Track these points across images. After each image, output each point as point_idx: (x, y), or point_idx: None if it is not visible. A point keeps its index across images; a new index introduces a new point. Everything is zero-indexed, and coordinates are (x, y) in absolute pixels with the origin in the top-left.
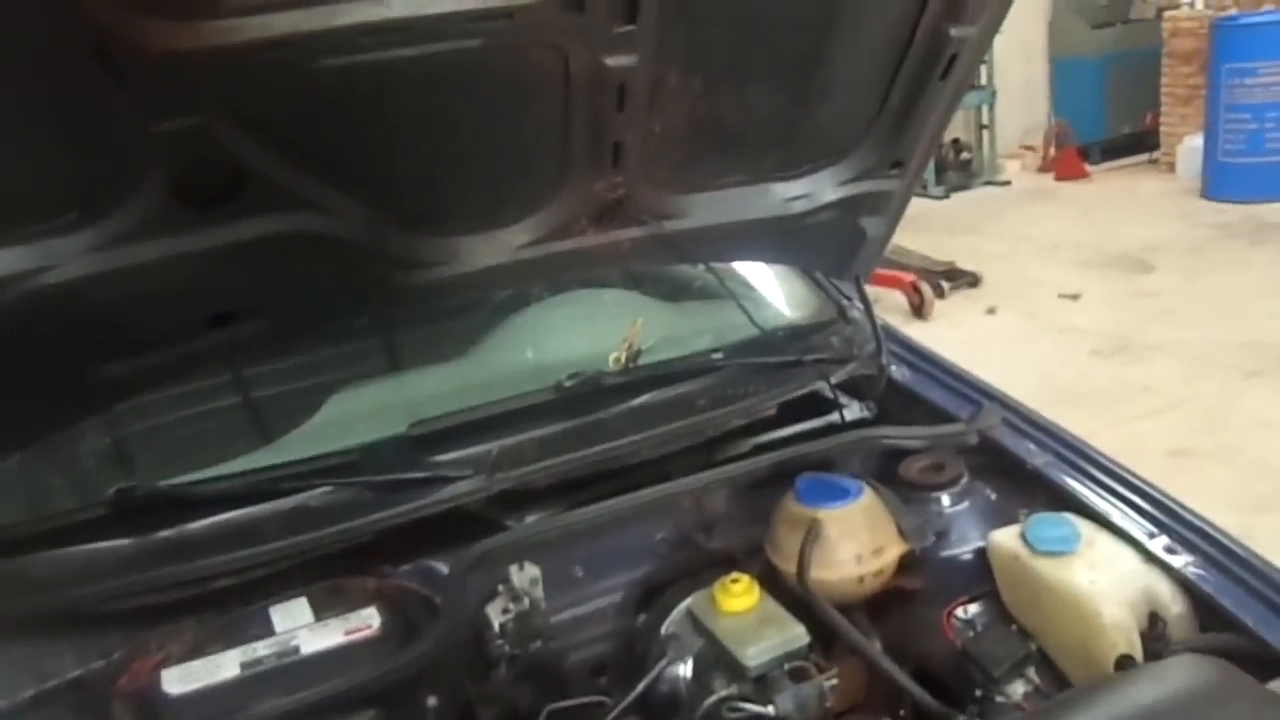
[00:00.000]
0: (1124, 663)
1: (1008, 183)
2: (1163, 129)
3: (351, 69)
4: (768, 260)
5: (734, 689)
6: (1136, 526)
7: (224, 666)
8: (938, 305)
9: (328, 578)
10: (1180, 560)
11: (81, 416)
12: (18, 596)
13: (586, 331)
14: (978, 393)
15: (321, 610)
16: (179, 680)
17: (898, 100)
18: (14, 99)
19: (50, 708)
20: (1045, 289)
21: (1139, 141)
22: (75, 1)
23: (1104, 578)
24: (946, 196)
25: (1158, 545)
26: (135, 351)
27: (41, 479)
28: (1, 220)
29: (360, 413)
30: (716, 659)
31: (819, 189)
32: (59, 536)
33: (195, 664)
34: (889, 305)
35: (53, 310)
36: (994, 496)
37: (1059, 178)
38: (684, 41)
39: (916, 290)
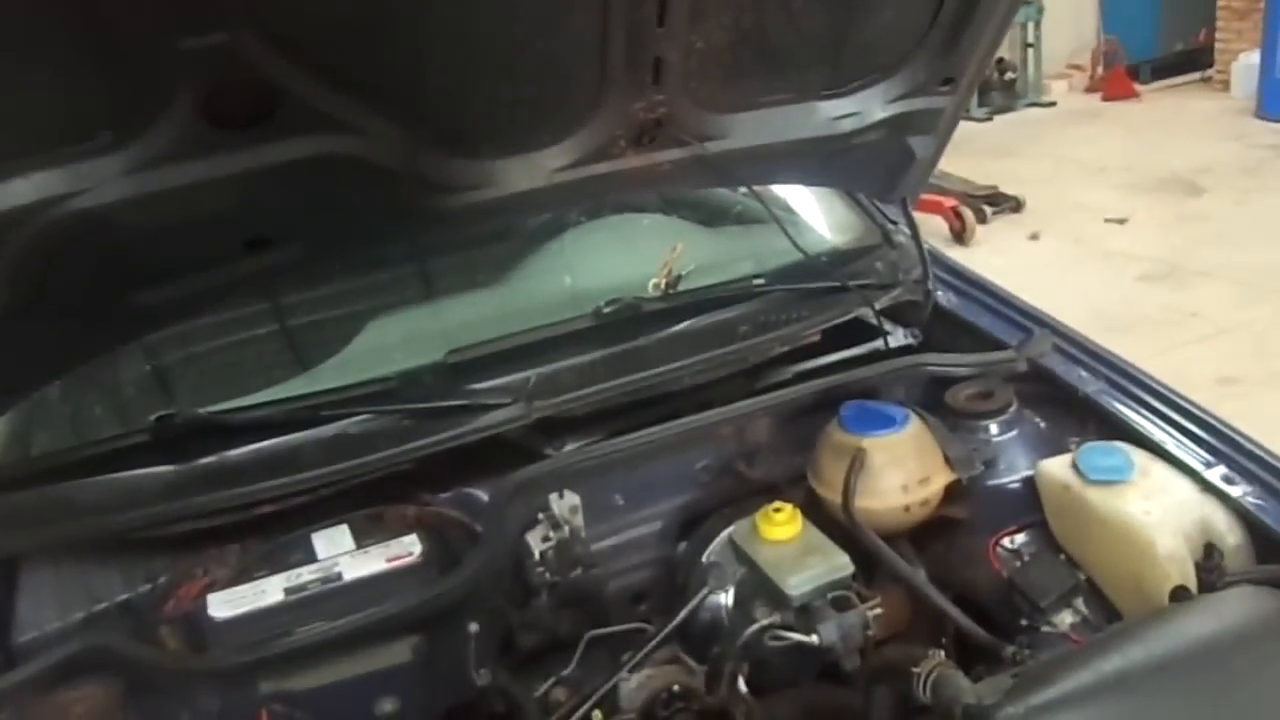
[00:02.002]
0: (1179, 594)
1: (1053, 103)
2: (1217, 45)
3: None
4: (812, 182)
5: (776, 618)
6: (1193, 455)
7: (268, 592)
8: (979, 230)
9: (368, 505)
10: (1238, 490)
11: (118, 343)
12: (65, 521)
13: (625, 257)
14: (1027, 319)
15: (363, 537)
16: (224, 604)
17: (951, 12)
18: (44, 16)
19: (101, 629)
20: (1091, 213)
21: (1191, 59)
22: None
23: (1158, 507)
24: (989, 118)
25: (1215, 474)
26: (170, 277)
27: (84, 407)
28: (34, 141)
29: (397, 340)
30: (758, 588)
31: (867, 107)
32: (103, 463)
33: (240, 589)
34: (929, 231)
35: (87, 235)
36: (1044, 425)
37: (1107, 98)
38: None
39: (957, 215)
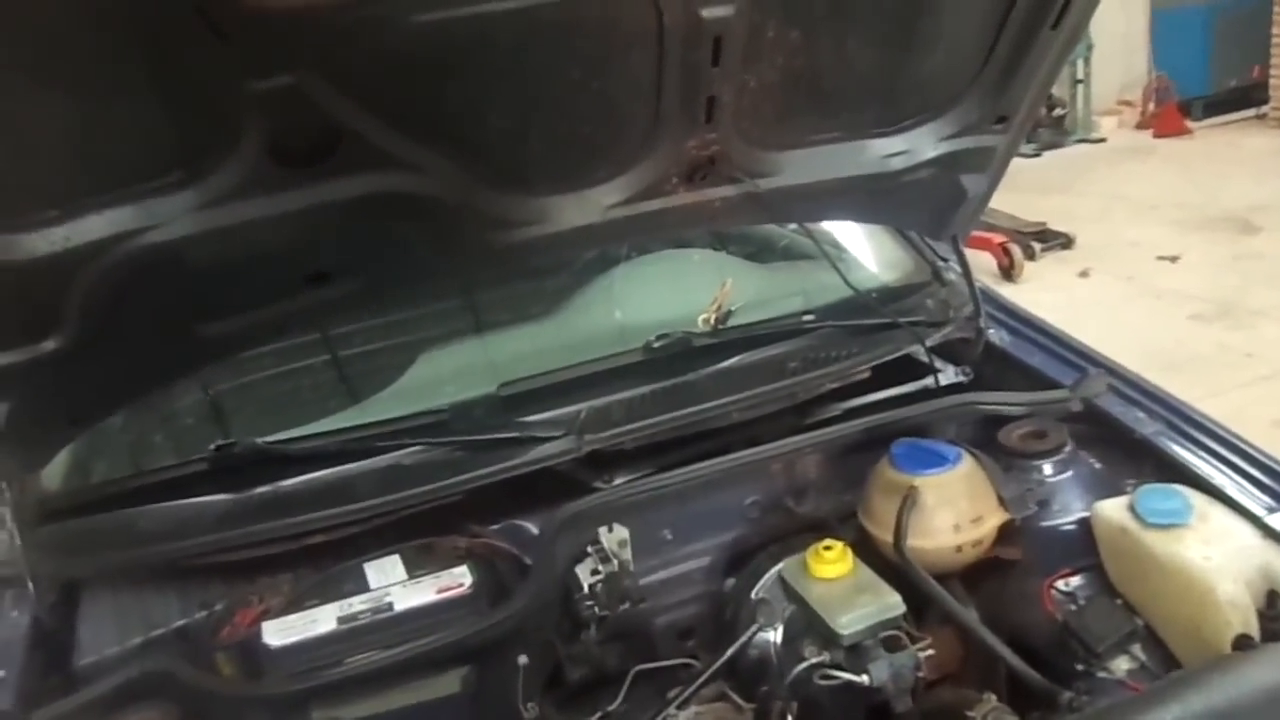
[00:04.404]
0: (1242, 643)
1: (1103, 140)
2: (1272, 81)
3: (444, 25)
4: (863, 220)
5: (826, 656)
6: (1254, 500)
7: (321, 621)
8: (1028, 267)
9: (419, 536)
10: None
11: (181, 374)
12: (124, 548)
13: (675, 292)
14: (1082, 358)
15: (414, 568)
16: (278, 633)
17: (1005, 51)
18: (122, 59)
19: (158, 655)
20: (1142, 250)
21: (1244, 96)
22: None
23: (1219, 553)
24: (1038, 155)
25: (1277, 520)
26: (233, 310)
27: (143, 436)
28: (109, 179)
29: (449, 373)
30: (808, 626)
31: (919, 145)
32: (161, 491)
33: (294, 617)
34: (977, 268)
35: (155, 269)
36: (1099, 466)
37: (1158, 134)
38: None
39: (1006, 252)
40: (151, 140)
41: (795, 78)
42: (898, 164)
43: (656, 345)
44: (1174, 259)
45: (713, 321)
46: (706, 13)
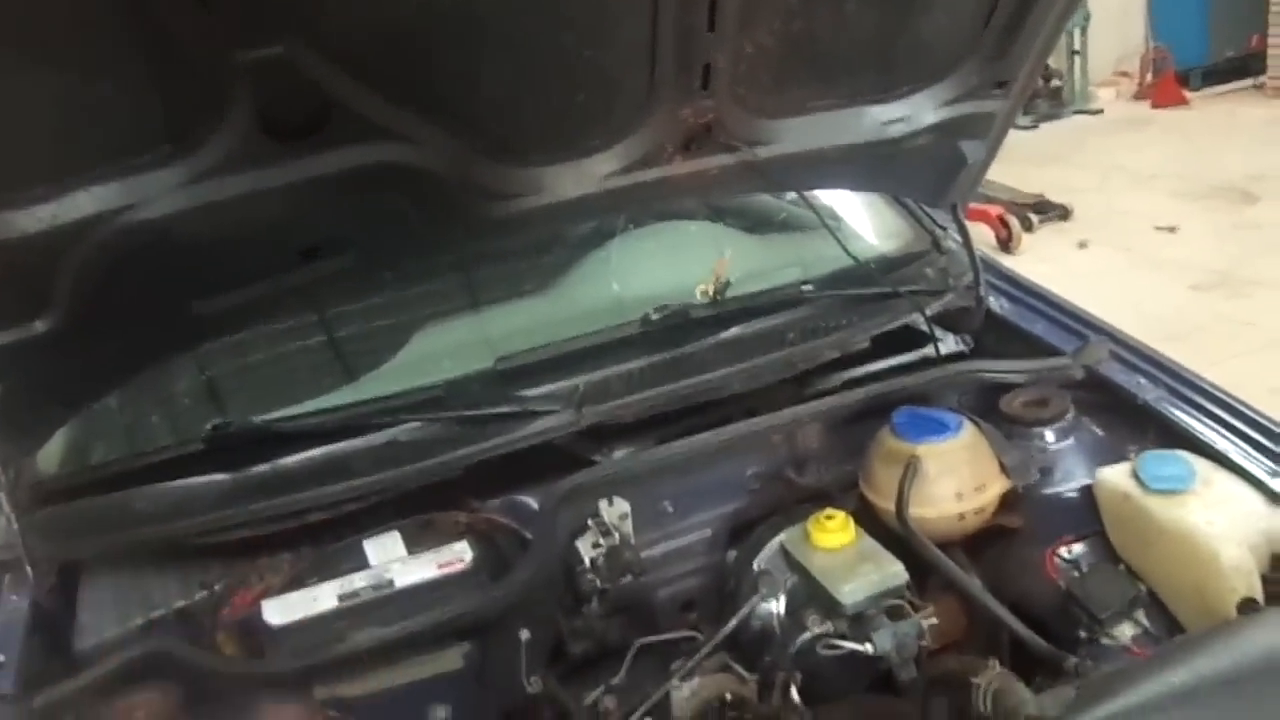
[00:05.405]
0: (1246, 607)
1: (1100, 111)
2: (1270, 51)
3: None
4: (861, 188)
5: (829, 626)
6: (1257, 465)
7: (321, 598)
8: (1026, 239)
9: (419, 512)
10: None
11: (174, 353)
12: (123, 530)
13: (673, 264)
14: (1083, 325)
15: (414, 544)
16: (279, 611)
17: (1005, 14)
18: (105, 31)
19: (159, 636)
20: (1140, 221)
21: (1243, 66)
22: None
23: (1222, 518)
24: (1035, 126)
25: None
26: (226, 287)
27: (140, 417)
28: (95, 155)
29: (446, 348)
30: (811, 596)
31: (918, 111)
32: (159, 472)
33: (294, 595)
34: (973, 239)
35: (146, 246)
36: (1101, 433)
37: (1156, 105)
38: None
39: (1003, 223)
40: (138, 114)
41: (792, 43)
42: (897, 131)
43: (655, 318)
44: (1172, 229)
45: (711, 293)
46: None
